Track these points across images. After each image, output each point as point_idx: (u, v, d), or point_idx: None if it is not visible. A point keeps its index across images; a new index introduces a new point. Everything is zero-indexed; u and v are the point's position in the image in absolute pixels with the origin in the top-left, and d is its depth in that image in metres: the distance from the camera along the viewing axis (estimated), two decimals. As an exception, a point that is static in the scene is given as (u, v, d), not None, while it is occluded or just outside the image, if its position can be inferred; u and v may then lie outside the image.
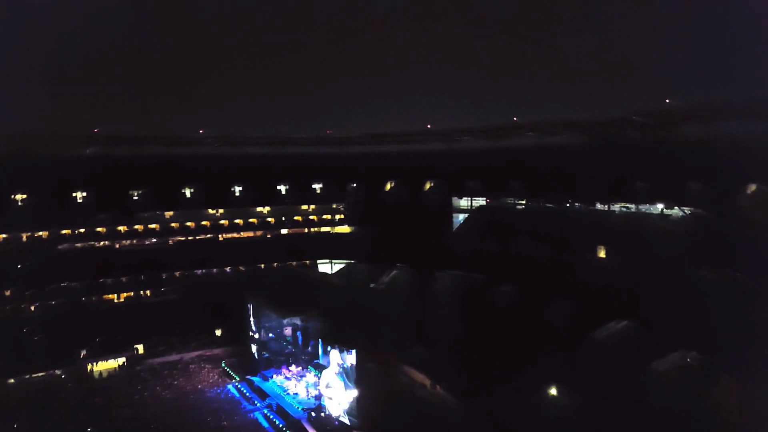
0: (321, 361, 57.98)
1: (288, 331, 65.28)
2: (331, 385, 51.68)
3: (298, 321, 62.69)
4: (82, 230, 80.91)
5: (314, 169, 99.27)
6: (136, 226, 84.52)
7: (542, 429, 38.22)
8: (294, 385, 58.76)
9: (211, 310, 72.68)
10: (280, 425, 50.91)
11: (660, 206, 66.68)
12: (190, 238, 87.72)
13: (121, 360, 66.95)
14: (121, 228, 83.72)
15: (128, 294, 79.10)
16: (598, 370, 40.51)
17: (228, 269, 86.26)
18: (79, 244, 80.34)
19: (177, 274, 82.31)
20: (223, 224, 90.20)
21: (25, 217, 78.00)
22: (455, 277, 63.44)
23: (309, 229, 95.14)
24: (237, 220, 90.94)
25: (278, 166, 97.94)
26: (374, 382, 48.34)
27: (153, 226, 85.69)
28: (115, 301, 78.61)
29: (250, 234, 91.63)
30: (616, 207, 70.69)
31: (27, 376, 62.38)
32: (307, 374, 59.91)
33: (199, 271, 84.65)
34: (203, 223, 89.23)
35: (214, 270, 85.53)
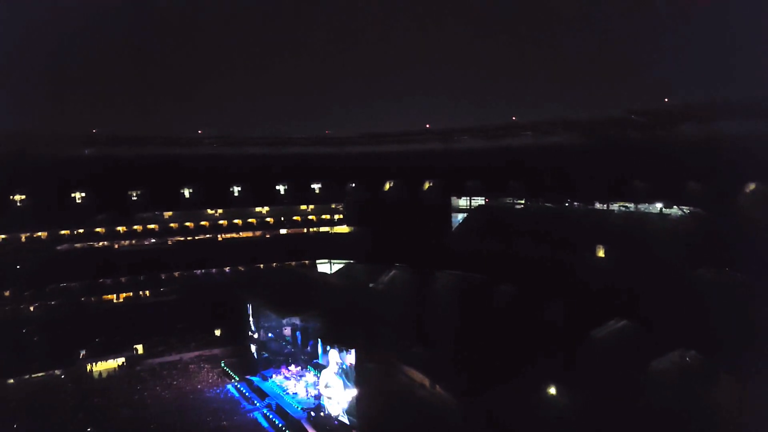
0: (320, 360, 57.95)
1: (287, 330, 65.34)
2: (330, 384, 51.66)
3: (297, 321, 62.75)
4: (81, 230, 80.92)
5: (313, 169, 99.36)
6: (136, 227, 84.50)
7: (542, 429, 38.12)
8: (293, 384, 58.76)
9: (210, 310, 72.74)
10: (280, 425, 50.93)
11: (659, 206, 66.65)
12: (189, 238, 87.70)
13: (121, 360, 66.88)
14: (121, 228, 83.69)
15: (127, 294, 79.05)
16: (597, 370, 40.40)
17: (227, 269, 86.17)
18: (78, 245, 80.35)
19: (176, 274, 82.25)
20: (222, 224, 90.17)
21: (25, 218, 78.09)
22: (454, 277, 63.20)
23: (308, 229, 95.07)
24: (236, 220, 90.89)
25: (277, 166, 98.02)
26: (373, 381, 48.32)
27: (152, 226, 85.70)
28: (115, 301, 78.58)
29: (250, 234, 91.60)
30: (616, 206, 70.67)
31: (27, 377, 62.33)
32: (307, 374, 59.91)
33: (199, 271, 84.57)
34: (202, 223, 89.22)
35: (214, 270, 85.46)
